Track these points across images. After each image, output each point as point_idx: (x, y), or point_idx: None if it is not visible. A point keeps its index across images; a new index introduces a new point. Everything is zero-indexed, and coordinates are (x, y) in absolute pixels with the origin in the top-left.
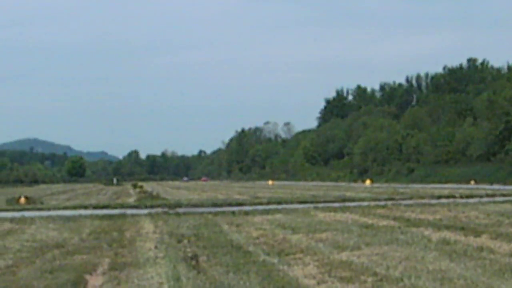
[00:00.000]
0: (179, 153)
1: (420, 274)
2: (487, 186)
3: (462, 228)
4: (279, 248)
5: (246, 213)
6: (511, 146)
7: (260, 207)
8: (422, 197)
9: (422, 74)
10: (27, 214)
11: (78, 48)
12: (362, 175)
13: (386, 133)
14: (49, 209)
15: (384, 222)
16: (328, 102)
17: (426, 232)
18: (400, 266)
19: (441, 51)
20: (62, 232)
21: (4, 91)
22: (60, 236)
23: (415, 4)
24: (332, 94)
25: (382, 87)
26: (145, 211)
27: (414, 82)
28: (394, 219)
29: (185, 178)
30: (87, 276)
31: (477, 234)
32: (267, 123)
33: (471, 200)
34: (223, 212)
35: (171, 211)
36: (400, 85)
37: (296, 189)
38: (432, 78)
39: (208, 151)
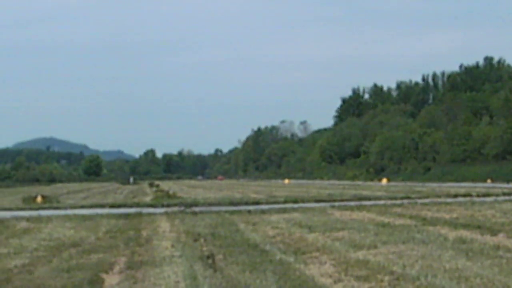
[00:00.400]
0: (196, 152)
1: (436, 273)
2: (504, 185)
3: (479, 227)
4: (295, 247)
5: (263, 212)
6: None
7: (276, 206)
8: (438, 196)
9: (439, 73)
10: (43, 213)
11: (95, 48)
12: (378, 173)
13: (402, 131)
14: (65, 208)
15: (400, 221)
16: (344, 100)
17: (443, 231)
18: (416, 264)
19: (458, 49)
20: (79, 231)
21: (21, 90)
22: (76, 235)
23: (431, 2)
24: (348, 93)
25: (399, 86)
26: (162, 210)
27: (430, 80)
28: (411, 217)
29: (200, 177)
30: (104, 275)
31: (494, 232)
32: (283, 121)
33: (488, 199)
34: (240, 211)
35: (187, 210)
36: (416, 83)
37: (313, 187)
38: (449, 76)
39: (225, 150)
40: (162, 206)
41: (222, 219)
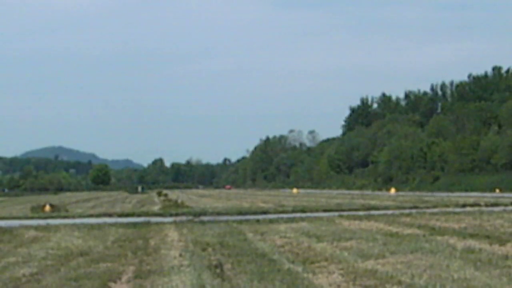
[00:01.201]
0: (204, 161)
1: (445, 283)
2: None
3: (487, 237)
4: (303, 257)
5: (271, 221)
6: None
7: (284, 216)
8: (447, 206)
9: (447, 82)
10: (52, 222)
11: (103, 57)
12: (386, 183)
13: (410, 141)
14: (74, 217)
15: (408, 231)
16: (352, 110)
17: (451, 241)
18: (425, 274)
19: (466, 59)
20: (87, 240)
21: (29, 100)
22: (84, 244)
23: (440, 12)
24: (357, 102)
25: (407, 95)
26: (170, 219)
27: (439, 90)
28: (419, 227)
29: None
30: (112, 284)
31: (502, 242)
32: (291, 131)
33: (496, 209)
34: (248, 220)
35: (195, 219)
36: (425, 93)
37: (321, 197)
38: (457, 86)
39: (233, 159)
40: (170, 215)
41: (230, 229)
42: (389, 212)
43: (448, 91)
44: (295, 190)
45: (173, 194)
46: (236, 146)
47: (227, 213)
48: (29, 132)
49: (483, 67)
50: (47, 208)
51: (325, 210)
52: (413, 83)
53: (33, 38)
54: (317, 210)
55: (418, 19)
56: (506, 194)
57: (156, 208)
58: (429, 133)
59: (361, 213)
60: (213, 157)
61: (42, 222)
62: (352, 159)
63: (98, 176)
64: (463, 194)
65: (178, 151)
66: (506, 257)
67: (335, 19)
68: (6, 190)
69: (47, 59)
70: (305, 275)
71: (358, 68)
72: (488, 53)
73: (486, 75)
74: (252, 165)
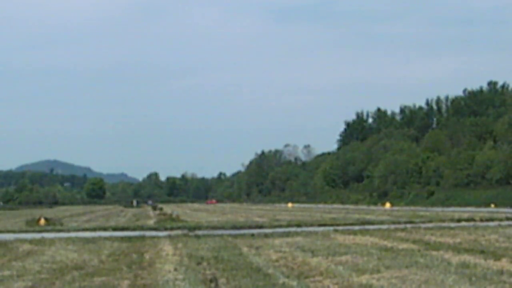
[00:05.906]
0: (199, 175)
1: None
2: (507, 210)
3: (482, 252)
4: (298, 271)
5: (266, 235)
6: None
7: (279, 230)
8: (442, 220)
9: (442, 97)
10: (46, 235)
11: (99, 71)
12: (382, 198)
13: (406, 156)
14: (68, 231)
15: (403, 245)
16: (348, 124)
17: (446, 256)
18: None
19: (462, 74)
20: (82, 253)
21: (24, 113)
22: (79, 257)
23: (435, 27)
24: (352, 117)
25: (402, 110)
26: (165, 233)
27: (434, 105)
28: (414, 242)
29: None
30: None
31: (497, 257)
32: (287, 145)
33: (491, 224)
34: (243, 235)
35: (190, 234)
36: (420, 108)
37: (316, 211)
38: (452, 101)
39: (228, 173)
40: (165, 229)
41: (225, 243)
42: (384, 226)
43: (444, 106)
44: (290, 205)
45: (168, 208)
46: (231, 161)
47: (222, 227)
48: (24, 145)
49: (478, 82)
50: (42, 221)
51: (320, 225)
52: (408, 98)
53: (28, 53)
54: (312, 225)
55: (414, 35)
56: (501, 209)
57: (151, 222)
58: (424, 148)
59: (356, 227)
60: (208, 171)
61: (36, 235)
62: (347, 173)
63: (93, 189)
64: (458, 209)
65: (173, 165)
66: (501, 272)
67: (331, 34)
68: (1, 204)
69: (42, 73)
70: None
71: (354, 82)
72: (483, 68)
73: (481, 90)
74: (247, 179)
